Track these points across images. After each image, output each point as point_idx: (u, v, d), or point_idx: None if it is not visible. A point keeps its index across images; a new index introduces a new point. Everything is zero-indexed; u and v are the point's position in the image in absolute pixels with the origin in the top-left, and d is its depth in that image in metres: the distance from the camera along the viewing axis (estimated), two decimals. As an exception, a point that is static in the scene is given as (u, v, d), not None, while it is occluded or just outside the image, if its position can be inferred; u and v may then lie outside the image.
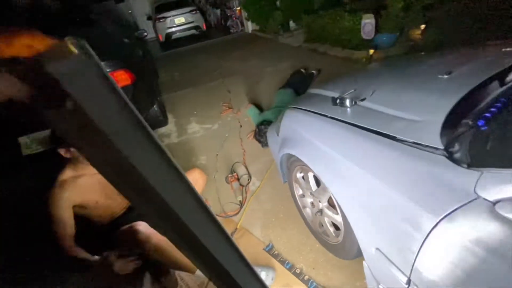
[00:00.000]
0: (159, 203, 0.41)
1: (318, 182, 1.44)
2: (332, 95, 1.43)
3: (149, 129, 0.39)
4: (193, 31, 8.58)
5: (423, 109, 0.97)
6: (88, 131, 0.33)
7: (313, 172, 1.34)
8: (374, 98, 1.20)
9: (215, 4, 10.43)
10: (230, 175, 2.19)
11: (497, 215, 0.63)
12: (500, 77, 1.00)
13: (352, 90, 1.34)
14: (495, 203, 0.63)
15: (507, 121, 0.81)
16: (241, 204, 1.96)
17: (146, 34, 4.24)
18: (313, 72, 3.54)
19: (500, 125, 0.81)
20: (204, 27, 8.78)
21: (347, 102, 1.24)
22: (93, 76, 0.33)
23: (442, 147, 0.79)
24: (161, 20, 8.19)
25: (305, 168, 1.43)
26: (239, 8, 8.36)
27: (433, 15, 4.49)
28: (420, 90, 1.14)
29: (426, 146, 0.83)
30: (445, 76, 1.15)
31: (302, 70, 3.57)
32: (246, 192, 2.05)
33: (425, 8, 4.37)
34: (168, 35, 8.34)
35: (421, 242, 0.77)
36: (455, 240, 0.70)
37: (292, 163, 1.54)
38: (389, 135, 0.94)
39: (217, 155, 2.60)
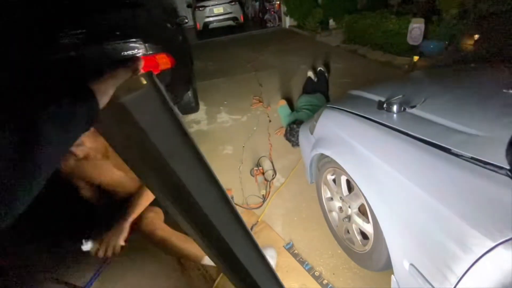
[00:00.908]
0: (197, 211, 0.48)
1: (350, 186, 1.39)
2: (377, 98, 1.36)
3: (200, 151, 0.47)
4: (230, 22, 8.62)
5: (486, 124, 0.89)
6: (149, 154, 0.41)
7: (347, 175, 1.29)
8: (425, 106, 1.13)
9: (255, -4, 10.39)
10: (255, 168, 2.19)
11: None
12: None
13: (400, 96, 1.26)
14: None
15: None
16: (264, 198, 1.96)
17: (187, 21, 4.32)
18: (320, 70, 3.28)
19: None
20: (242, 19, 8.78)
21: (395, 108, 1.17)
22: (158, 104, 0.40)
23: (507, 167, 0.72)
24: (200, 8, 8.30)
25: (338, 171, 1.38)
26: (278, 2, 8.26)
27: (490, 25, 4.12)
28: (481, 103, 1.05)
29: (488, 163, 0.76)
30: (511, 91, 1.04)
31: (310, 75, 3.25)
32: (270, 187, 2.04)
33: (481, 18, 4.03)
34: (206, 24, 8.45)
35: (469, 266, 0.71)
36: (510, 268, 0.64)
37: (324, 164, 1.50)
38: (443, 147, 0.88)
39: (243, 146, 2.61)
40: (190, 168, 0.46)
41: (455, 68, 1.95)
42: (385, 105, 1.21)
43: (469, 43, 4.19)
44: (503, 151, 0.76)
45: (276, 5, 8.41)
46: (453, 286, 0.75)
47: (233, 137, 2.81)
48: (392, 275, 1.05)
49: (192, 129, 3.11)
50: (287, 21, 8.10)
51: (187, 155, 0.45)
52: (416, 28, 3.84)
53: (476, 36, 4.15)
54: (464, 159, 0.81)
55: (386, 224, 1.03)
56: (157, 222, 1.34)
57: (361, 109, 1.32)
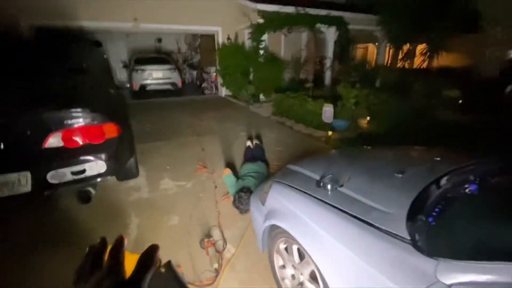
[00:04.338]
0: None
1: (301, 255, 1.58)
2: (312, 175, 1.71)
3: None
4: (168, 86, 9.00)
5: (391, 202, 1.28)
6: None
7: (298, 245, 1.50)
8: (350, 185, 1.50)
9: (193, 66, 11.35)
10: (206, 239, 2.18)
11: (451, 296, 0.87)
12: (437, 182, 1.40)
13: (330, 175, 1.63)
14: (450, 286, 0.88)
15: (446, 221, 1.14)
16: (217, 272, 1.94)
17: (128, 85, 4.41)
18: (256, 143, 3.77)
19: (443, 223, 1.13)
20: (180, 85, 9.31)
21: (329, 187, 1.51)
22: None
23: (408, 238, 1.06)
24: (139, 71, 8.51)
25: (290, 240, 1.58)
26: (215, 74, 9.24)
27: (375, 111, 5.63)
28: (384, 184, 1.48)
29: (397, 235, 1.09)
30: (400, 175, 1.52)
31: (249, 144, 3.73)
32: (222, 259, 2.04)
33: (369, 106, 5.52)
34: (143, 86, 8.59)
35: (399, 318, 0.95)
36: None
37: (276, 234, 1.68)
38: (368, 222, 1.20)
39: (190, 216, 2.59)
40: None
41: (360, 150, 2.60)
42: (321, 184, 1.54)
43: (364, 122, 5.56)
44: (404, 224, 1.12)
45: (213, 76, 9.36)
46: (392, 337, 0.96)
47: (178, 206, 2.76)
48: (345, 337, 1.21)
49: (131, 198, 2.90)
50: (223, 91, 9.00)
51: None
52: (327, 110, 4.92)
53: (368, 118, 5.57)
54: (382, 231, 1.13)
55: (335, 287, 1.23)
56: None
57: (304, 185, 1.63)
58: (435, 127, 4.71)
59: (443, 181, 1.43)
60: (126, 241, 0.39)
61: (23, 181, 1.98)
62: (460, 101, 6.08)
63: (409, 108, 5.38)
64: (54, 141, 2.11)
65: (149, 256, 0.37)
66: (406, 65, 9.39)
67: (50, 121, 2.11)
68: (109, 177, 2.45)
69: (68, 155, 2.15)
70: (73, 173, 2.15)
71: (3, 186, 1.94)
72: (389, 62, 9.66)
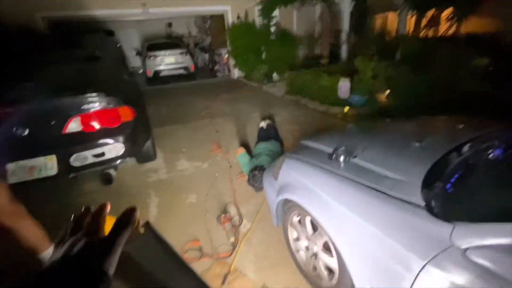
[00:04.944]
0: None
1: (314, 226, 1.59)
2: (326, 149, 1.68)
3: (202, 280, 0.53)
4: (181, 71, 9.02)
5: (406, 171, 1.23)
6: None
7: (311, 217, 1.50)
8: (364, 156, 1.46)
9: (204, 49, 11.22)
10: (223, 215, 2.25)
11: (467, 259, 0.84)
12: (458, 149, 1.32)
13: (343, 147, 1.59)
14: (466, 249, 0.85)
15: (466, 187, 1.09)
16: (234, 245, 2.01)
17: (142, 71, 4.47)
18: (269, 123, 3.62)
19: (462, 189, 1.07)
20: (193, 69, 9.29)
21: (341, 158, 1.48)
22: (157, 246, 0.46)
23: (423, 204, 1.02)
24: (152, 57, 8.56)
25: (303, 213, 1.59)
26: (226, 55, 9.09)
27: (394, 84, 5.34)
28: (400, 154, 1.43)
29: (411, 202, 1.05)
30: (417, 144, 1.45)
31: (262, 125, 3.61)
32: (238, 234, 2.11)
33: (388, 79, 5.22)
34: (157, 72, 8.66)
35: (412, 282, 0.94)
36: (439, 279, 0.89)
37: (289, 207, 1.70)
38: (381, 190, 1.17)
39: (207, 194, 2.66)
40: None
41: (378, 124, 2.50)
42: (333, 156, 1.51)
43: (383, 96, 5.30)
44: (419, 191, 1.08)
45: (225, 58, 9.22)
46: (404, 300, 0.96)
47: (196, 185, 2.85)
48: (358, 303, 1.23)
49: (150, 179, 3.03)
50: (236, 72, 8.88)
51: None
52: (344, 85, 4.73)
53: (387, 92, 5.30)
54: (396, 199, 1.10)
55: (348, 256, 1.24)
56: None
57: (316, 158, 1.61)
58: (461, 99, 4.40)
59: (465, 148, 1.35)
60: (108, 207, 0.39)
61: (49, 165, 2.12)
62: (491, 68, 5.59)
63: (432, 79, 5.04)
64: (74, 126, 2.22)
65: (125, 217, 0.37)
66: (430, 34, 8.69)
67: (68, 107, 2.20)
68: (127, 159, 2.56)
69: (88, 138, 2.26)
70: (94, 156, 2.27)
71: (32, 169, 2.08)
72: (411, 31, 8.98)
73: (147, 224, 0.44)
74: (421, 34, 8.79)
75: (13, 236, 1.31)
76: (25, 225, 1.38)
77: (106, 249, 0.33)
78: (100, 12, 6.98)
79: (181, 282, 0.51)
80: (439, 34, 9.20)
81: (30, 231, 1.39)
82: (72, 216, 0.39)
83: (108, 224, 0.37)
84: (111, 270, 0.33)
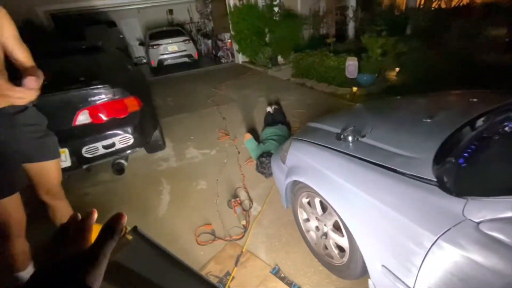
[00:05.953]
0: None
1: (323, 207, 1.60)
2: (333, 130, 1.65)
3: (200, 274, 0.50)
4: (185, 59, 8.94)
5: (416, 147, 1.20)
6: None
7: (320, 197, 1.51)
8: (373, 135, 1.43)
9: (207, 35, 11.01)
10: (233, 200, 2.29)
11: (480, 232, 0.83)
12: (471, 123, 1.28)
13: (352, 127, 1.56)
14: (479, 223, 0.83)
15: (479, 161, 1.05)
16: (245, 228, 2.05)
17: (145, 61, 4.45)
18: (275, 107, 3.72)
19: (475, 163, 1.04)
20: (196, 56, 9.18)
21: (350, 138, 1.46)
22: (147, 250, 0.45)
23: (434, 179, 1.00)
24: (154, 46, 8.49)
25: (312, 194, 1.59)
26: (230, 40, 8.91)
27: (405, 61, 5.14)
28: (411, 131, 1.39)
29: (422, 178, 1.03)
30: (428, 120, 1.41)
31: (269, 110, 3.68)
32: (249, 217, 2.15)
33: (398, 55, 5.02)
34: (161, 61, 8.62)
35: (423, 257, 0.94)
36: (451, 253, 0.88)
37: (298, 189, 1.70)
38: (390, 168, 1.15)
39: (217, 180, 2.70)
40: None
41: (387, 101, 2.43)
42: (342, 136, 1.49)
43: (392, 74, 5.13)
44: (430, 168, 1.05)
45: (228, 43, 9.04)
46: (415, 275, 0.97)
47: (205, 172, 2.89)
48: (369, 279, 1.25)
49: (161, 168, 3.09)
50: (240, 58, 8.72)
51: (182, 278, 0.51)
52: (351, 64, 4.58)
53: (397, 69, 5.11)
54: (407, 176, 1.08)
55: (358, 234, 1.24)
56: None
57: (323, 140, 1.59)
58: (475, 72, 4.20)
59: (479, 122, 1.30)
60: (95, 215, 0.38)
61: (63, 157, 2.18)
62: (507, 40, 5.28)
63: (447, 53, 4.81)
64: (83, 118, 2.25)
65: (110, 225, 0.36)
66: (443, 4, 8.20)
67: (76, 100, 2.23)
68: (137, 149, 2.60)
69: (97, 130, 2.30)
70: (104, 147, 2.31)
71: (48, 162, 2.14)
72: (422, 3, 8.51)
73: (135, 230, 0.43)
74: (434, 5, 8.30)
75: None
76: (15, 243, 1.35)
77: (90, 261, 0.32)
78: (99, 1, 6.90)
79: (181, 282, 0.50)
80: (453, 4, 8.67)
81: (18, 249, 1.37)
82: (59, 226, 0.37)
83: (95, 233, 0.36)
84: (96, 284, 0.31)
